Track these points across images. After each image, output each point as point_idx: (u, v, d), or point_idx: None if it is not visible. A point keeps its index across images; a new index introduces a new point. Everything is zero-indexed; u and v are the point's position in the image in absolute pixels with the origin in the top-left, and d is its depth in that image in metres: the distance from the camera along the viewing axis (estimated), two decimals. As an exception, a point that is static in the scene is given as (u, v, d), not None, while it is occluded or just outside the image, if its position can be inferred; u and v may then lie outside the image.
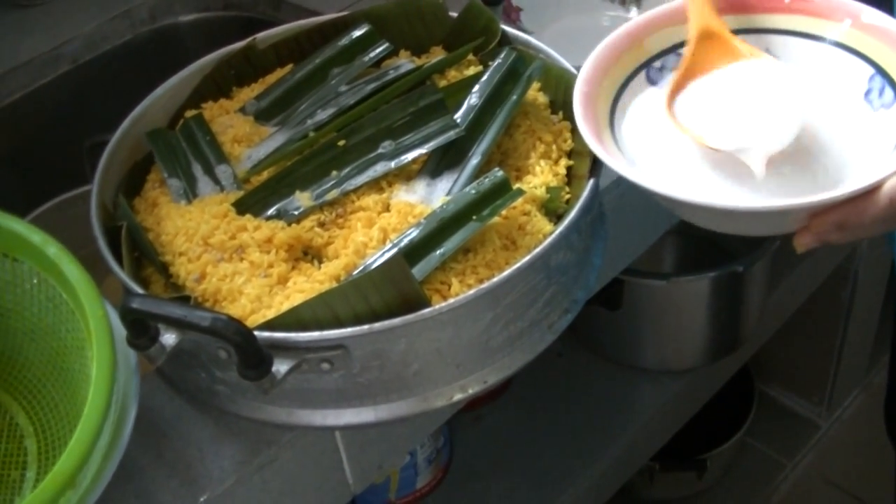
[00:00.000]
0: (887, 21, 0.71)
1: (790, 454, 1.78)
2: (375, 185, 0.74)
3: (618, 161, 0.68)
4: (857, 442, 1.80)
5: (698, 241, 1.54)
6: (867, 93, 0.71)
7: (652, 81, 0.77)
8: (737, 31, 0.75)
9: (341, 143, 0.76)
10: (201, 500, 0.69)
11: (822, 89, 0.73)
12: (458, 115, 0.77)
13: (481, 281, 0.67)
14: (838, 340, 1.69)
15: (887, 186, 0.61)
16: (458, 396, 0.70)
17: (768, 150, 0.67)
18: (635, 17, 0.78)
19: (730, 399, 1.63)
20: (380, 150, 0.76)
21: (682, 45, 0.76)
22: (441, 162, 0.76)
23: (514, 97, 0.78)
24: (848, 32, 0.73)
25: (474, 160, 0.75)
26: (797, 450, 1.78)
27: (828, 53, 0.74)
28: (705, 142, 0.69)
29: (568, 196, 0.75)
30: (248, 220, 0.73)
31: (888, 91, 0.70)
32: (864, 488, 1.74)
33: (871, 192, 0.62)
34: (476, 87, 0.79)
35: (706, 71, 0.73)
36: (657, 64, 0.77)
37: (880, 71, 0.71)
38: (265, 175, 0.78)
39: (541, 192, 0.73)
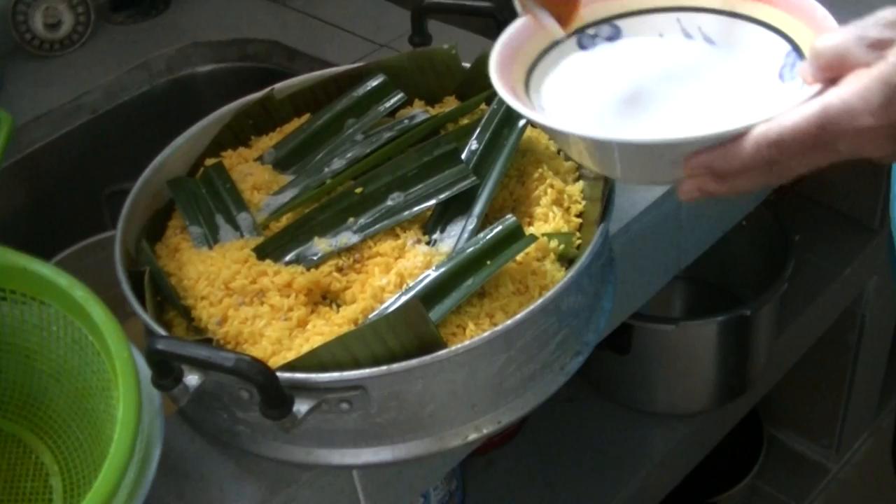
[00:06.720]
0: None
1: (800, 498, 1.77)
2: (391, 231, 0.76)
3: (517, 102, 0.67)
4: (866, 485, 1.80)
5: (706, 286, 1.55)
6: (781, 68, 0.70)
7: (583, 47, 0.76)
8: (652, 11, 0.75)
9: (359, 190, 0.78)
10: (222, 538, 0.71)
11: (739, 65, 0.72)
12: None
13: (495, 324, 0.69)
14: (846, 384, 1.69)
15: (755, 132, 0.60)
16: (472, 436, 0.71)
17: None
18: None
19: (739, 443, 1.64)
20: (388, 203, 0.78)
21: (618, 17, 0.76)
22: (451, 207, 0.78)
23: (512, 140, 0.80)
24: (764, 9, 0.72)
25: (479, 207, 0.77)
26: (807, 493, 1.78)
27: (746, 30, 0.73)
28: None
29: (579, 241, 0.77)
30: (269, 266, 0.75)
31: (799, 64, 0.69)
32: (875, 532, 1.74)
33: (738, 137, 0.60)
34: (475, 134, 0.81)
35: None
36: (591, 31, 0.76)
37: (795, 47, 0.70)
38: (284, 221, 0.80)
39: (552, 237, 0.75)
